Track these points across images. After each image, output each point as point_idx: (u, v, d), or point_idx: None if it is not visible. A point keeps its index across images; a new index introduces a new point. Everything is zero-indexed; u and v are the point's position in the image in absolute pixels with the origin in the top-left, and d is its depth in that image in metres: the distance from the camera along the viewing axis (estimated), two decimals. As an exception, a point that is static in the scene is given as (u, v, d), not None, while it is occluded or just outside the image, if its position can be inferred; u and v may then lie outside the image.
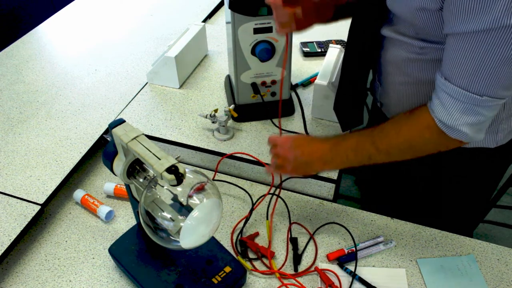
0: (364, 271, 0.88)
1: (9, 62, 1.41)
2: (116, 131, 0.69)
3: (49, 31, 1.58)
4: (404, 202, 1.13)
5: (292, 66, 1.14)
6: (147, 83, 1.32)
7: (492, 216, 1.86)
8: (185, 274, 0.82)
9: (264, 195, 1.00)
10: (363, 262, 0.90)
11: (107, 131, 1.14)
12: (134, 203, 0.83)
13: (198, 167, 1.12)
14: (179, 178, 0.62)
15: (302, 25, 0.86)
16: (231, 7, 0.99)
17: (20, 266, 0.89)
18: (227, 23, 1.07)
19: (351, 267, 0.88)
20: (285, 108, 1.20)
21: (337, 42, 1.45)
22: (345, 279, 0.86)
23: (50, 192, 0.98)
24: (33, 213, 0.93)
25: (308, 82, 1.31)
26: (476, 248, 0.92)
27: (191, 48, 1.32)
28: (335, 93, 0.99)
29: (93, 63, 1.40)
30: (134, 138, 0.68)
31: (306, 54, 1.42)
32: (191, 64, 1.36)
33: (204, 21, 1.62)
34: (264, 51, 1.04)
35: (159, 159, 0.64)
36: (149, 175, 0.74)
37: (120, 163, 0.73)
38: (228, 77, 1.29)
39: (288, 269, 0.88)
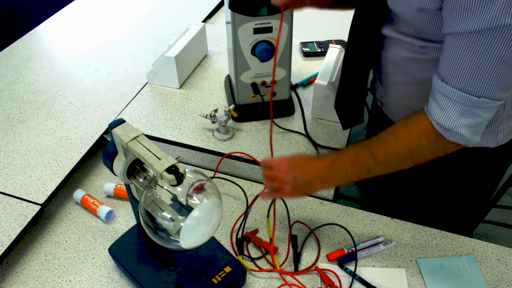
0: (364, 271, 0.88)
1: (9, 62, 1.41)
2: (116, 131, 0.69)
3: (49, 31, 1.58)
4: (404, 203, 1.12)
5: (292, 66, 1.14)
6: (147, 83, 1.32)
7: (492, 216, 1.86)
8: (185, 274, 0.82)
9: (261, 192, 1.00)
10: (363, 262, 0.90)
11: (107, 131, 1.14)
12: (134, 203, 0.83)
13: (198, 167, 1.12)
14: (179, 178, 0.62)
15: (298, 1, 0.87)
16: (231, 7, 0.99)
17: (20, 266, 0.89)
18: (227, 23, 1.07)
19: (351, 267, 0.88)
20: (285, 108, 1.20)
21: (337, 42, 1.45)
22: (345, 279, 0.86)
23: (50, 192, 0.98)
24: (33, 213, 0.93)
25: (308, 82, 1.31)
26: (476, 248, 0.91)
27: (191, 48, 1.32)
28: (335, 93, 0.99)
29: (93, 63, 1.40)
30: (134, 138, 0.68)
31: (306, 54, 1.42)
32: (191, 64, 1.36)
33: (204, 21, 1.62)
34: (264, 51, 1.04)
35: (159, 159, 0.64)
36: (149, 175, 0.74)
37: (120, 163, 0.73)
38: (228, 77, 1.29)
39: (288, 268, 0.88)
